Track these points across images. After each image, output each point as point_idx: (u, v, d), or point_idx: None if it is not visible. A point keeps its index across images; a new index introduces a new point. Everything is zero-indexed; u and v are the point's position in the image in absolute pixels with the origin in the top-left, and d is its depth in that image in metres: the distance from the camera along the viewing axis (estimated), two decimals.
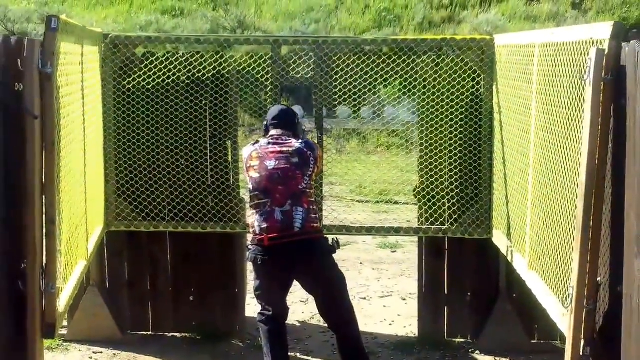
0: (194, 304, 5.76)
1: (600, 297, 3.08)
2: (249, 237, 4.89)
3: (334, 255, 4.78)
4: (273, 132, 4.87)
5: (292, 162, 4.70)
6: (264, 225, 4.60)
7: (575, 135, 3.15)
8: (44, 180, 3.59)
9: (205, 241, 5.66)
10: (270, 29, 16.22)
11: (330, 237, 4.83)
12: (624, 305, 2.86)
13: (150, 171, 5.43)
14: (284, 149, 4.74)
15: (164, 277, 5.75)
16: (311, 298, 6.32)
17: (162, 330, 5.80)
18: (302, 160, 4.72)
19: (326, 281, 4.76)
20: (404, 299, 6.74)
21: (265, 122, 4.98)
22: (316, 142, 5.19)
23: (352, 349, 4.82)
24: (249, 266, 6.12)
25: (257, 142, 4.87)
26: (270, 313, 4.75)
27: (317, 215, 4.81)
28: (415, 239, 6.40)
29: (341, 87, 5.35)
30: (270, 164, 4.69)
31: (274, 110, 4.98)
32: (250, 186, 4.74)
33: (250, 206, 4.74)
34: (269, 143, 4.79)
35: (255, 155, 4.76)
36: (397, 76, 5.32)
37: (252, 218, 4.69)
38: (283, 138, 4.81)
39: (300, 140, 4.83)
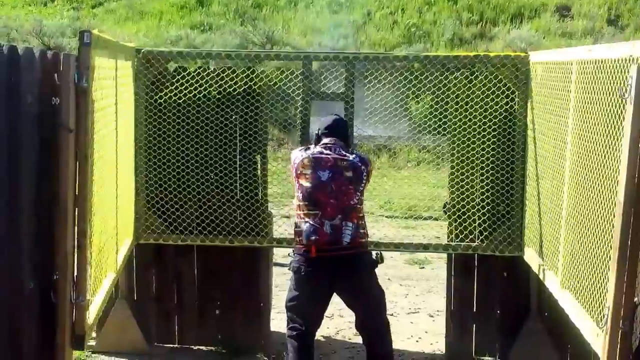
0: (220, 317, 5.76)
1: (637, 318, 3.02)
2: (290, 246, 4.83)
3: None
4: (326, 140, 4.73)
5: (346, 176, 4.60)
6: (313, 237, 4.54)
7: (614, 153, 3.09)
8: (76, 193, 3.61)
9: (231, 255, 5.65)
10: (299, 44, 16.26)
11: (373, 252, 4.80)
12: None
13: (180, 184, 5.45)
14: (339, 161, 4.62)
15: (190, 290, 5.76)
16: (336, 313, 6.34)
17: (188, 343, 5.81)
18: (356, 175, 4.62)
19: (368, 297, 4.72)
20: (432, 316, 6.68)
21: (317, 131, 4.84)
22: None
23: None
24: (274, 281, 6.14)
25: (308, 148, 4.75)
26: (303, 328, 4.69)
27: (365, 231, 4.71)
28: (444, 255, 6.36)
29: (372, 102, 5.34)
30: (324, 175, 4.59)
31: (327, 120, 4.84)
32: (300, 194, 4.63)
33: (298, 214, 4.65)
34: (321, 151, 4.67)
35: (307, 162, 4.64)
36: (429, 92, 5.29)
37: (300, 227, 4.62)
38: (337, 147, 4.68)
39: (354, 154, 4.71)
